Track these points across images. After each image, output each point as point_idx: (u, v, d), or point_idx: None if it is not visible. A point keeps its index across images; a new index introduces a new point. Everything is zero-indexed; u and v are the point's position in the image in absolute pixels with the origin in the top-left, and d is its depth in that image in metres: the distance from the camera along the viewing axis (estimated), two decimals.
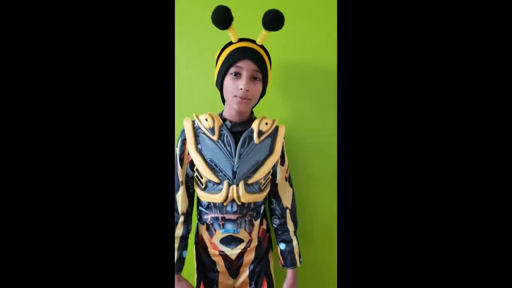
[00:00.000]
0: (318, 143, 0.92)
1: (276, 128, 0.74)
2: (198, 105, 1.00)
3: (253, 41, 0.69)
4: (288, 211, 0.79)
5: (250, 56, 0.66)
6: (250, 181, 0.71)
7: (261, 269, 0.78)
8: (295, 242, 0.78)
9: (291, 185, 0.80)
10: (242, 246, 0.75)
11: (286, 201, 0.79)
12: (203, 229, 0.77)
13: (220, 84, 0.71)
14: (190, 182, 0.78)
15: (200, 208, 0.77)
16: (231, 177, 0.70)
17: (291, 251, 0.78)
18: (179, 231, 0.76)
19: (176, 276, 0.75)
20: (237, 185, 0.70)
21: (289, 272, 0.78)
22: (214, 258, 0.77)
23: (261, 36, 0.67)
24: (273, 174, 0.77)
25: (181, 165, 0.75)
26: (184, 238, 0.77)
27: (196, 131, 0.73)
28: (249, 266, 0.78)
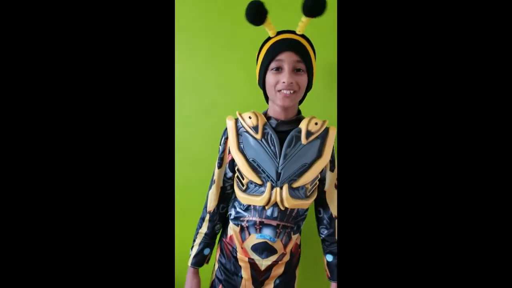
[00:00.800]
0: None
1: (326, 130, 0.68)
2: (198, 105, 1.03)
3: (293, 32, 0.64)
4: (337, 221, 0.72)
5: (290, 47, 0.62)
6: (295, 185, 0.64)
7: (285, 285, 0.73)
8: None
9: None
10: (274, 257, 0.70)
11: (335, 210, 0.72)
12: (236, 230, 0.72)
13: (262, 83, 0.68)
14: (228, 183, 0.74)
15: (238, 209, 0.72)
16: (275, 179, 0.65)
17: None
18: (204, 228, 0.75)
19: (191, 269, 0.74)
20: (281, 188, 0.64)
21: (333, 285, 0.74)
22: (241, 264, 0.72)
23: (301, 24, 0.62)
24: (321, 180, 0.71)
25: (220, 164, 0.73)
26: (208, 236, 0.75)
27: (238, 129, 0.70)
28: (275, 280, 0.72)
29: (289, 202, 0.65)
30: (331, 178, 0.71)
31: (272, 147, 0.65)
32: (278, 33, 0.65)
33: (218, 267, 0.77)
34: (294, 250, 0.74)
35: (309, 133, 0.65)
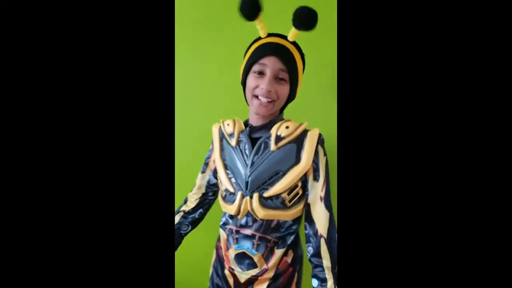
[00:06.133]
0: None
1: (305, 133, 0.61)
2: (198, 106, 1.01)
3: (284, 37, 0.61)
4: (322, 241, 0.60)
5: (276, 53, 0.58)
6: (266, 194, 0.60)
7: None
8: (330, 283, 0.58)
9: (327, 208, 0.61)
10: (253, 272, 0.64)
11: (321, 227, 0.60)
12: (224, 237, 0.69)
13: (243, 83, 0.64)
14: (211, 189, 0.74)
15: (226, 216, 0.69)
16: (244, 188, 0.62)
17: None
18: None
19: None
20: (251, 197, 0.61)
21: None
22: (226, 272, 0.69)
23: (292, 33, 0.59)
24: (305, 190, 0.63)
25: (204, 170, 0.74)
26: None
27: (221, 137, 0.68)
28: None
29: (260, 213, 0.61)
30: (315, 189, 0.61)
31: (245, 155, 0.62)
32: (269, 35, 0.61)
33: (212, 272, 0.73)
34: (282, 268, 0.64)
35: (278, 138, 0.60)
